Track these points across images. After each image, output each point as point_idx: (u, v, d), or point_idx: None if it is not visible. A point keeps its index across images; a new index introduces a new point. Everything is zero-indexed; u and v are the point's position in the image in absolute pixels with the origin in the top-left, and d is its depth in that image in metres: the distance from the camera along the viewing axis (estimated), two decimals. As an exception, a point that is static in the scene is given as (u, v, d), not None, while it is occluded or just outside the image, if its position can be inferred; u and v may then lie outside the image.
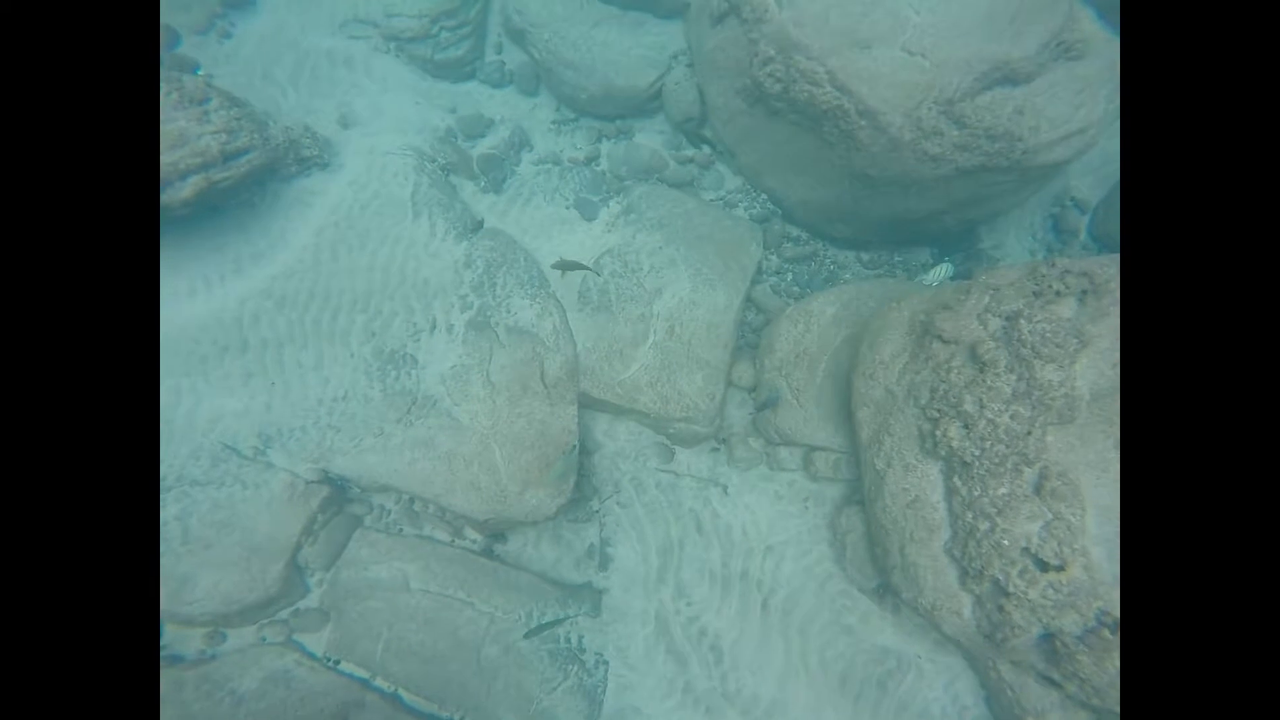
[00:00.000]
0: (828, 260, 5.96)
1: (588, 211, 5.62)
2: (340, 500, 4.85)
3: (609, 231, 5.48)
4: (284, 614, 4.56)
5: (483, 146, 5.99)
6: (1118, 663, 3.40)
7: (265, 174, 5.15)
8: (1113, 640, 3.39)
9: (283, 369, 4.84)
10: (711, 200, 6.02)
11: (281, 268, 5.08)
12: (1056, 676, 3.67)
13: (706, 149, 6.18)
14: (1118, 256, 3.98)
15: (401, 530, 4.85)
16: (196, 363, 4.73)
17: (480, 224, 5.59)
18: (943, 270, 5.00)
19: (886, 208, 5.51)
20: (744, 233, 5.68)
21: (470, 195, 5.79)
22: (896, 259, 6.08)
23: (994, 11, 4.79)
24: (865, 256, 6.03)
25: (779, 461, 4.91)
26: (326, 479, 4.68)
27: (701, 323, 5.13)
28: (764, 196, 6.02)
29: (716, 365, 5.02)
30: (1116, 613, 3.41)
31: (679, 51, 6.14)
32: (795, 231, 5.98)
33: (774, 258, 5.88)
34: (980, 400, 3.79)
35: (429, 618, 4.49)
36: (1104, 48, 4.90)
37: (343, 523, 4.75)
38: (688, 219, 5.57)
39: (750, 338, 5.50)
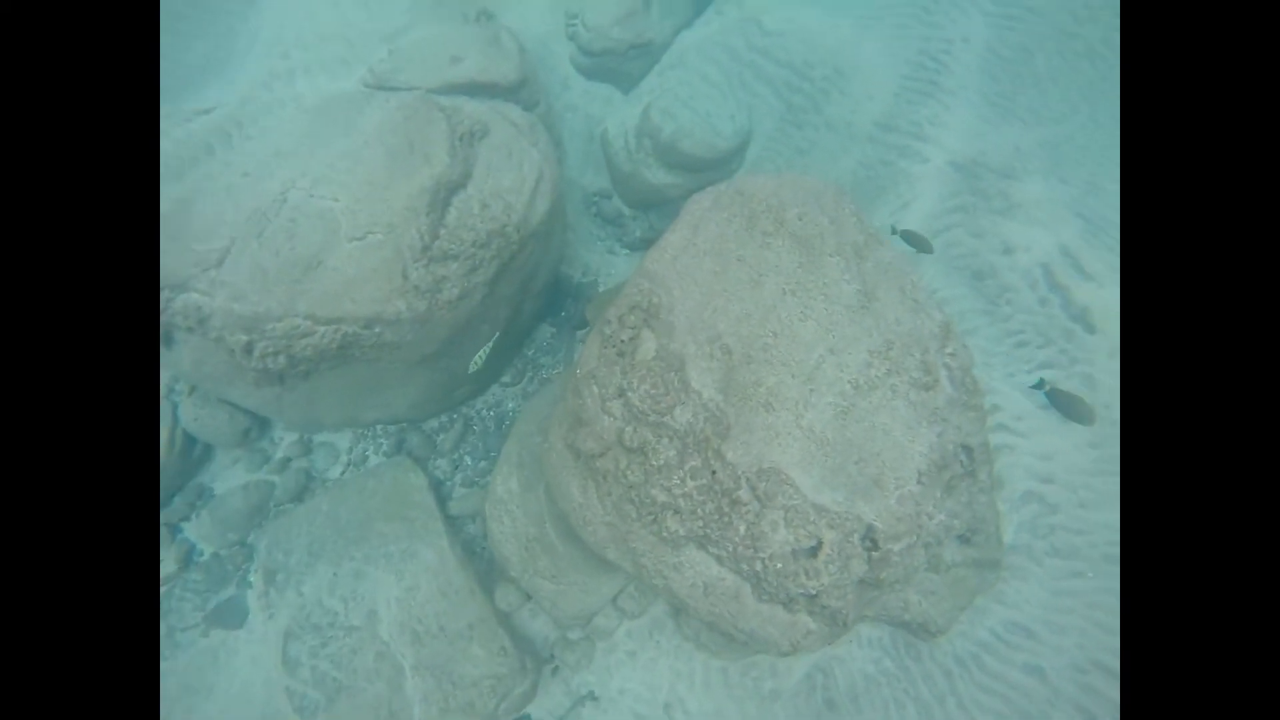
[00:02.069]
0: (482, 415, 5.65)
1: (232, 619, 4.60)
2: None
3: (271, 618, 4.54)
4: None
5: None
6: (900, 549, 3.73)
7: None
8: (881, 552, 3.69)
9: None
10: (341, 474, 5.31)
11: None
12: (883, 590, 3.97)
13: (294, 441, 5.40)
14: (648, 270, 4.14)
15: None
16: None
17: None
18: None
19: (476, 348, 5.30)
20: (395, 475, 5.10)
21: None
22: (528, 354, 5.98)
23: (393, 155, 4.71)
24: (505, 379, 5.83)
25: (603, 630, 4.61)
26: None
27: (434, 598, 4.53)
28: (378, 428, 5.46)
29: (480, 619, 4.49)
30: (873, 522, 3.70)
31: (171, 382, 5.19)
32: (431, 424, 5.55)
33: (440, 462, 5.41)
34: (664, 485, 3.78)
35: None
36: (496, 117, 5.13)
37: None
38: (335, 522, 4.84)
39: (487, 551, 5.04)
